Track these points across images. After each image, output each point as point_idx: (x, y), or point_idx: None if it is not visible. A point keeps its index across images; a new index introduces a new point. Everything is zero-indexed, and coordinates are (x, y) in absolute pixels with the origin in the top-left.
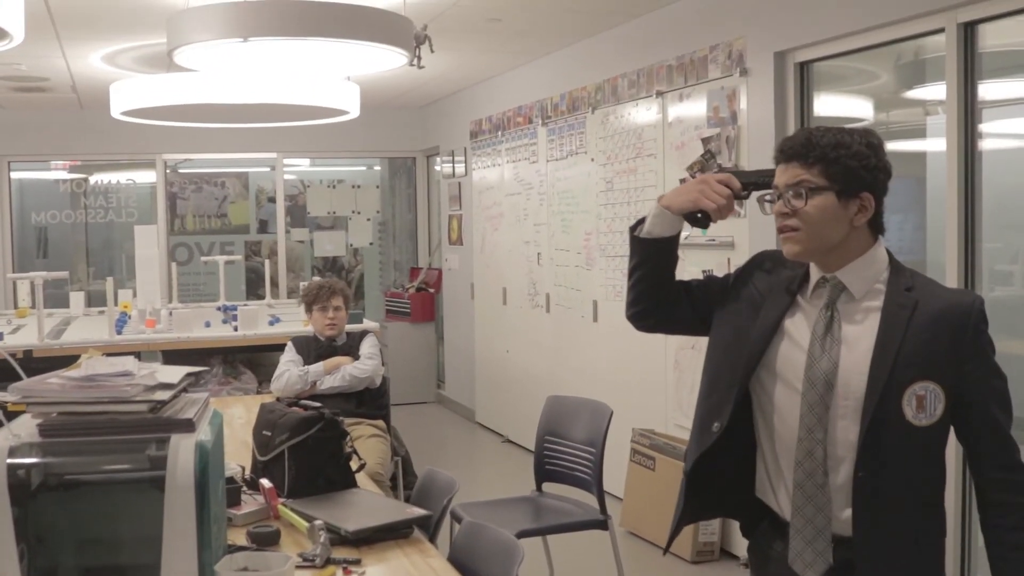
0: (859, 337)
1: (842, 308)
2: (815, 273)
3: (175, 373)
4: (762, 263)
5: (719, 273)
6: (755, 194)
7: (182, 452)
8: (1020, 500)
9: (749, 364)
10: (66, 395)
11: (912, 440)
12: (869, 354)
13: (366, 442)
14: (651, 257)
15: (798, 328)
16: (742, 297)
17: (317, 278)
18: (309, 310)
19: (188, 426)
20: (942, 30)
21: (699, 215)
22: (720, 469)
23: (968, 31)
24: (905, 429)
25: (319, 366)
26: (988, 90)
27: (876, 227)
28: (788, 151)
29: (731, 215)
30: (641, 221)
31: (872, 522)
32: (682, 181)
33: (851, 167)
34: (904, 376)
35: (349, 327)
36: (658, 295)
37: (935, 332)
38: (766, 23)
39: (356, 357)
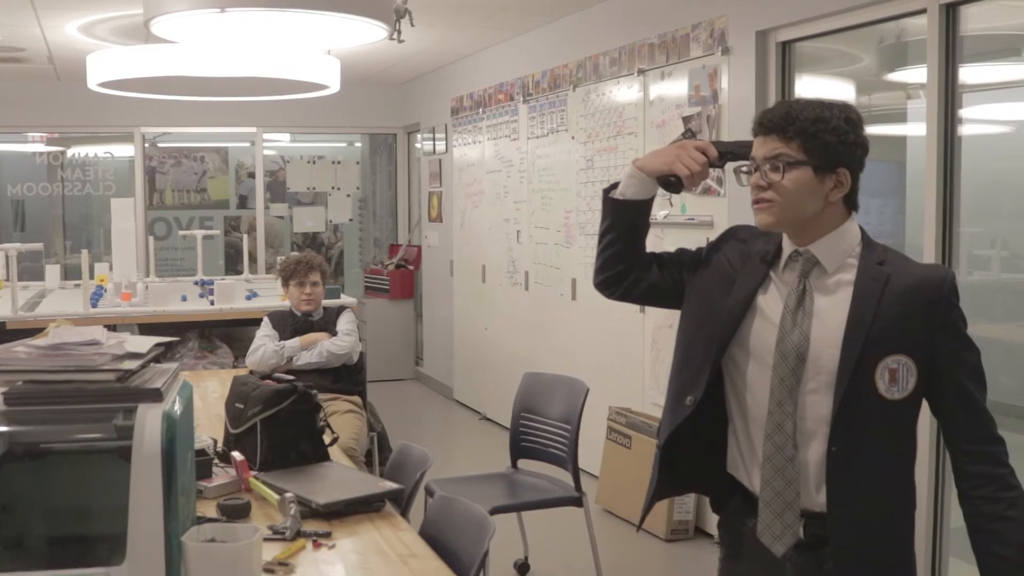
0: (831, 311)
1: (814, 282)
2: (787, 246)
3: (144, 343)
4: (735, 233)
5: None
6: (731, 165)
7: (149, 422)
8: (995, 472)
9: (723, 340)
10: (32, 363)
11: (885, 414)
12: (841, 328)
13: (342, 417)
14: (623, 220)
15: (770, 303)
16: (714, 269)
17: (294, 253)
18: (286, 284)
19: (156, 396)
20: (924, 11)
21: (672, 179)
22: (693, 444)
23: (950, 13)
24: (878, 403)
25: (295, 341)
26: (969, 74)
27: (851, 203)
28: (767, 124)
29: (703, 183)
30: (615, 185)
31: (846, 497)
32: None
33: (829, 142)
34: (876, 350)
35: (326, 302)
36: (628, 261)
37: (907, 306)
38: (748, 2)
39: (333, 333)
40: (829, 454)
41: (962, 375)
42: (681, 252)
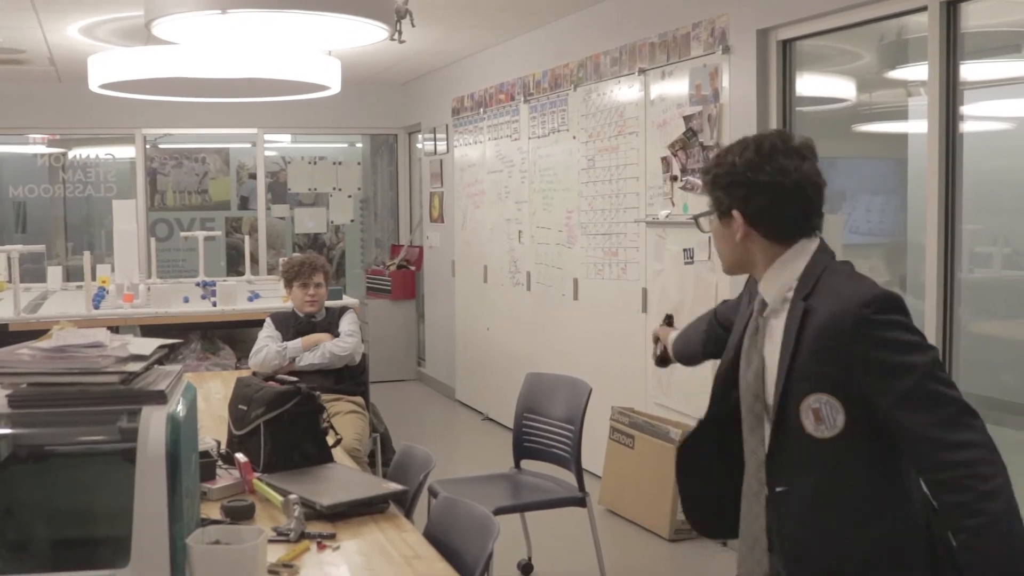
0: (773, 350)
1: (770, 319)
2: None
3: (148, 345)
4: (748, 281)
5: (701, 252)
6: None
7: (153, 424)
8: (955, 499)
9: (726, 380)
10: (36, 366)
11: (822, 452)
12: (756, 373)
13: (344, 418)
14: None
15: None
16: (739, 316)
17: (297, 254)
18: (289, 286)
19: (160, 398)
20: (925, 8)
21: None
22: (707, 458)
23: (951, 10)
24: (809, 442)
25: (297, 342)
26: (970, 71)
27: (779, 235)
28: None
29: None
30: None
31: (790, 536)
32: (663, 159)
33: (719, 187)
34: (799, 389)
35: (328, 303)
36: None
37: (819, 344)
38: (749, 1)
39: (335, 334)
40: (769, 493)
41: (892, 406)
42: (733, 307)
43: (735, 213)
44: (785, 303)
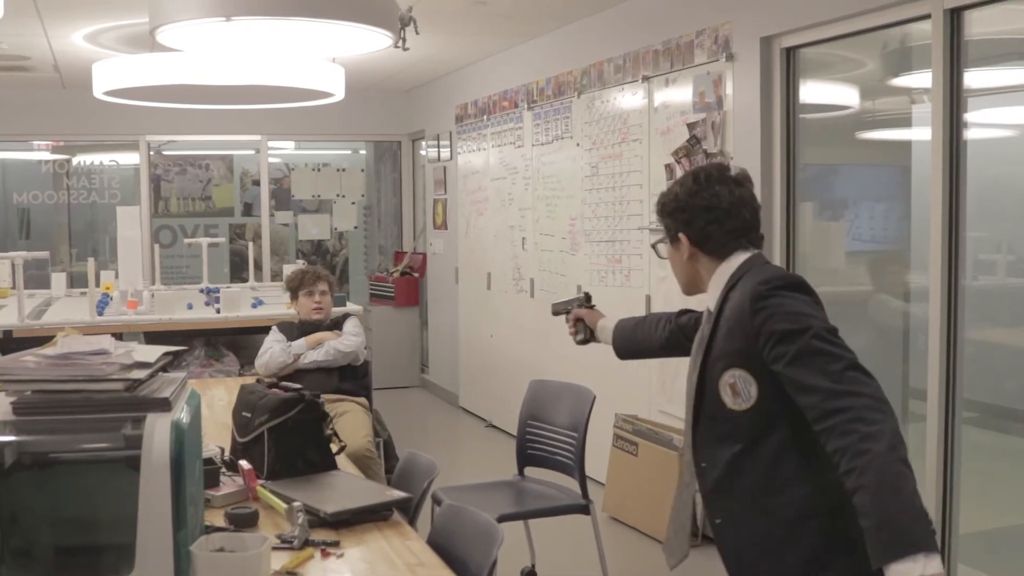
0: None
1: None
2: None
3: (152, 352)
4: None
5: None
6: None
7: (158, 431)
8: (840, 444)
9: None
10: (41, 373)
11: (740, 425)
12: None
13: (351, 417)
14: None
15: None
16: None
17: (301, 262)
18: (295, 296)
19: (164, 405)
20: (928, 16)
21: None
22: None
23: (954, 17)
24: (729, 416)
25: (301, 341)
26: (974, 78)
27: (719, 252)
28: None
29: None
30: None
31: (715, 506)
32: (667, 166)
33: (664, 214)
34: (715, 368)
35: (333, 311)
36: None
37: (730, 323)
38: (753, 8)
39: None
40: (698, 468)
41: (784, 366)
42: (697, 318)
43: (681, 236)
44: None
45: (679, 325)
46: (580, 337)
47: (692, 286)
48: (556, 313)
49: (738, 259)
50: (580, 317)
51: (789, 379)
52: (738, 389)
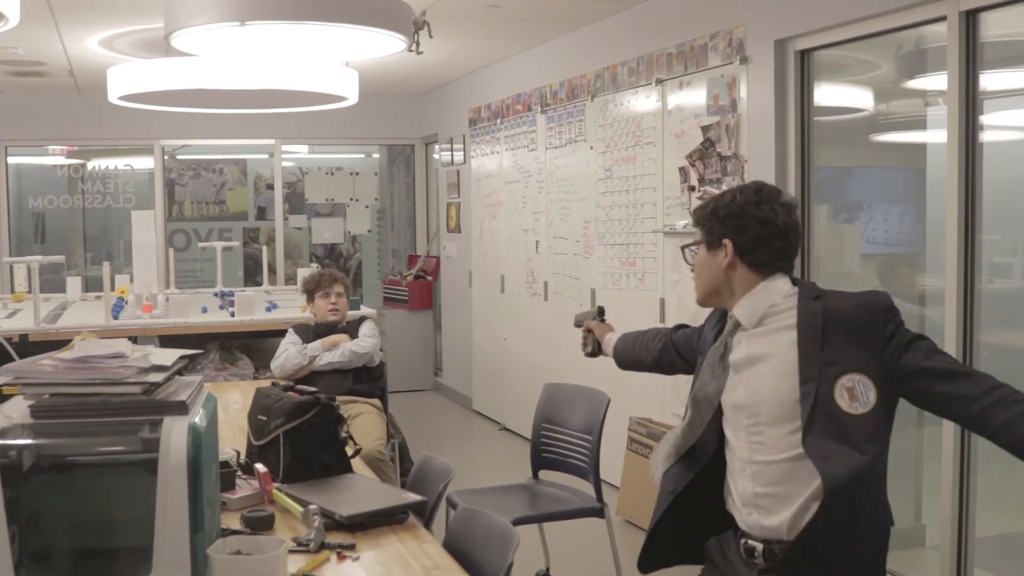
0: (764, 355)
1: (743, 338)
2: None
3: (169, 356)
4: (711, 315)
5: None
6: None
7: (175, 434)
8: (1009, 397)
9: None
10: (58, 376)
11: (848, 428)
12: (776, 372)
13: (365, 419)
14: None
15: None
16: (703, 348)
17: (314, 265)
18: (311, 299)
19: (181, 408)
20: (944, 18)
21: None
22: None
23: (970, 19)
24: (842, 418)
25: (317, 343)
26: (990, 80)
27: (762, 267)
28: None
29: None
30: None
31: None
32: (681, 170)
33: (714, 219)
34: (830, 373)
35: (348, 314)
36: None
37: (849, 329)
38: (767, 11)
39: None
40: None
41: (930, 360)
42: (690, 335)
43: (726, 242)
44: (763, 321)
45: (673, 340)
46: (588, 349)
47: (714, 297)
48: (576, 325)
49: (778, 279)
50: (591, 329)
51: (941, 369)
52: (857, 394)
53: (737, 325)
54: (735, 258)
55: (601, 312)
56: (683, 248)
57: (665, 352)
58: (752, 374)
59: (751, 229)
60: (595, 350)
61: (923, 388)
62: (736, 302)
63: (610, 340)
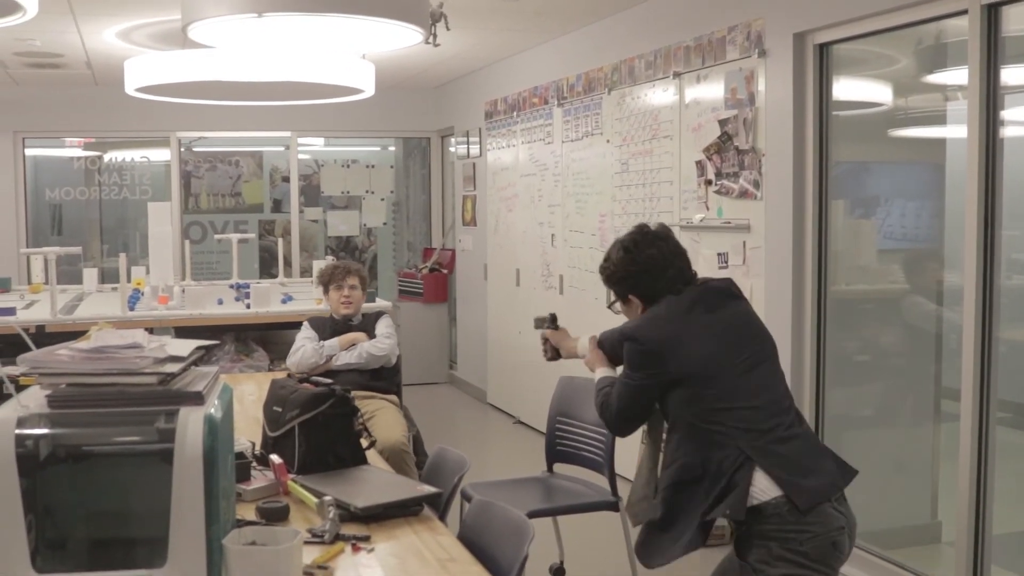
0: None
1: None
2: None
3: (185, 346)
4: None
5: (736, 255)
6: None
7: (191, 425)
8: None
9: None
10: (75, 366)
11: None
12: None
13: (385, 414)
14: None
15: None
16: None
17: (330, 257)
18: (326, 290)
19: (197, 399)
20: (965, 12)
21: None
22: None
23: (992, 13)
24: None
25: (334, 341)
26: (1011, 75)
27: (672, 294)
28: None
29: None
30: None
31: None
32: (698, 163)
33: (612, 282)
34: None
35: (364, 307)
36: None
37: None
38: (785, 4)
39: (372, 336)
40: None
41: None
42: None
43: (631, 297)
44: None
45: None
46: (548, 356)
47: None
48: (535, 328)
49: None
50: (546, 338)
51: None
52: None
53: None
54: (645, 304)
55: (553, 319)
56: (610, 306)
57: None
58: None
59: (641, 279)
60: (553, 356)
61: None
62: None
63: (582, 343)
